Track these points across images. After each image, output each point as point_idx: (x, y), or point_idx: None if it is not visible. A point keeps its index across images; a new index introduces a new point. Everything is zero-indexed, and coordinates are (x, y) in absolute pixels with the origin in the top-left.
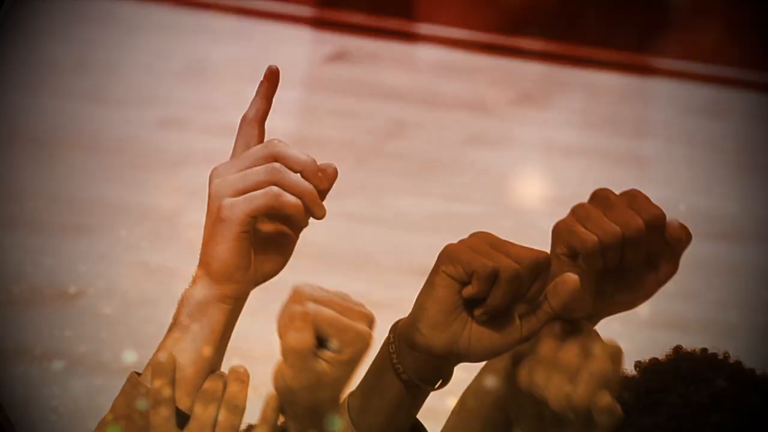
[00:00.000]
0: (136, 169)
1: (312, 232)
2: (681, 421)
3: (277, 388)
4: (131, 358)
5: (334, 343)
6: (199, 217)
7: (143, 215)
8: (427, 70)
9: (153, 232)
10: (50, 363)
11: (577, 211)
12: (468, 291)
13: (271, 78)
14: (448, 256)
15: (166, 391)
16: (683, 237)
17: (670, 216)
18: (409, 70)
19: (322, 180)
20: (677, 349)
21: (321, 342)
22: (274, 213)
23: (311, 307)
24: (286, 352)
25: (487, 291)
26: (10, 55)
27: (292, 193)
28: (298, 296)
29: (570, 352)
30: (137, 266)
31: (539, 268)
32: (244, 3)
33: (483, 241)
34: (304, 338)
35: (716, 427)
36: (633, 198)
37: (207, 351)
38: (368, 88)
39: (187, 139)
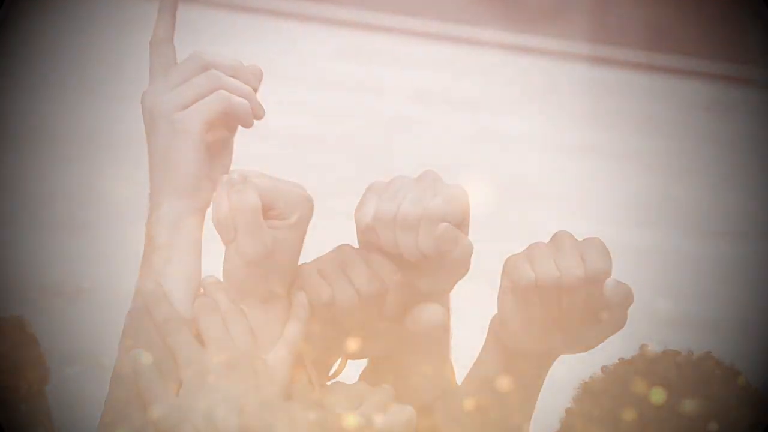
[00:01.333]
0: (139, 166)
1: (313, 231)
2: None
3: (228, 270)
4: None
5: (280, 206)
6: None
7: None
8: (432, 67)
9: None
10: (64, 367)
11: (530, 248)
12: (311, 319)
13: None
14: (298, 278)
15: (167, 309)
16: (614, 299)
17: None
18: (412, 68)
19: (253, 80)
20: (643, 347)
21: (265, 212)
22: (224, 117)
23: (251, 176)
24: (237, 218)
25: (328, 317)
26: (10, 53)
27: (237, 95)
28: (234, 171)
29: (408, 207)
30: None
31: (383, 296)
32: (246, 1)
33: (336, 261)
34: (249, 198)
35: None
36: (589, 246)
37: (197, 263)
38: (371, 85)
39: None
